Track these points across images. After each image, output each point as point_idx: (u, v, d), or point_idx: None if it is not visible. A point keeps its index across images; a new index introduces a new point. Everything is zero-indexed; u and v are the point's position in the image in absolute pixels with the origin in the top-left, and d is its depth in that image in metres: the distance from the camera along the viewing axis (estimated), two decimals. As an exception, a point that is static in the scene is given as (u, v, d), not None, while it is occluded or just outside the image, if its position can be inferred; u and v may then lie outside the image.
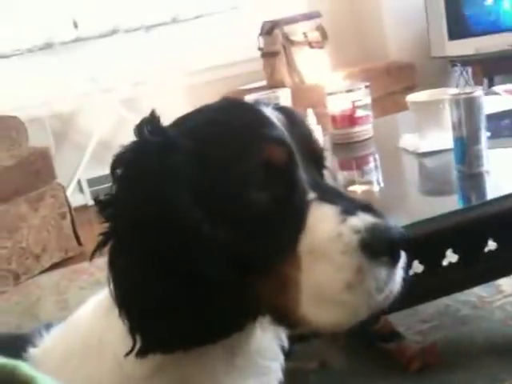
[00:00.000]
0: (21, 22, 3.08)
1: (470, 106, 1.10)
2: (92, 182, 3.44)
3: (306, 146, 0.64)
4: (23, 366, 0.43)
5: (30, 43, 3.08)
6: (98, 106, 3.24)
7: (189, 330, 0.59)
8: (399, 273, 0.58)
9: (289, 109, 0.69)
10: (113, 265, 0.60)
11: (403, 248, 0.57)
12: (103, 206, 0.62)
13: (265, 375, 0.68)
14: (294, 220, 0.58)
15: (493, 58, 2.84)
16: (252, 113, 0.64)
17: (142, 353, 0.58)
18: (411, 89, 2.80)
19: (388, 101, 2.71)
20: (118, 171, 0.61)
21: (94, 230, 2.85)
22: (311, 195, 0.59)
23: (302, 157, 0.62)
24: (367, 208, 0.58)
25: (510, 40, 2.77)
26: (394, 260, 0.57)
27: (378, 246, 0.55)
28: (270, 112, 0.64)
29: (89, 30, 3.11)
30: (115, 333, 0.62)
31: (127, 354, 0.59)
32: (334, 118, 1.60)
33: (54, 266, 2.58)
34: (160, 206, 0.57)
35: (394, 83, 2.92)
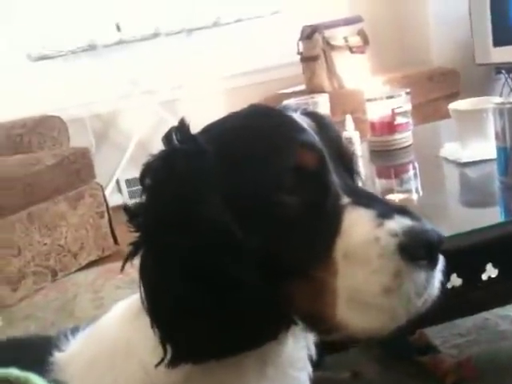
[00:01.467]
0: (65, 23, 3.15)
1: (511, 116, 1.07)
2: (130, 183, 3.50)
3: (337, 150, 0.63)
4: (34, 378, 0.44)
5: (73, 45, 3.14)
6: (137, 107, 3.29)
7: (222, 339, 0.58)
8: (438, 276, 0.57)
9: (317, 113, 0.69)
10: (144, 274, 0.59)
11: (441, 251, 0.56)
12: (132, 214, 0.61)
13: None
14: (329, 224, 0.57)
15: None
16: (281, 118, 0.63)
17: (173, 363, 0.58)
18: (454, 96, 2.75)
19: (430, 108, 2.66)
20: (148, 180, 0.61)
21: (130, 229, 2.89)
22: (345, 199, 0.59)
23: (333, 161, 0.61)
24: (403, 211, 0.57)
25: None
26: (433, 263, 0.56)
27: (416, 249, 0.54)
28: (298, 117, 0.64)
29: (131, 33, 3.16)
30: (143, 339, 0.61)
31: (158, 365, 0.58)
32: (372, 125, 1.57)
33: (91, 264, 2.62)
34: (189, 211, 0.57)
35: (437, 90, 2.87)
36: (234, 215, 0.56)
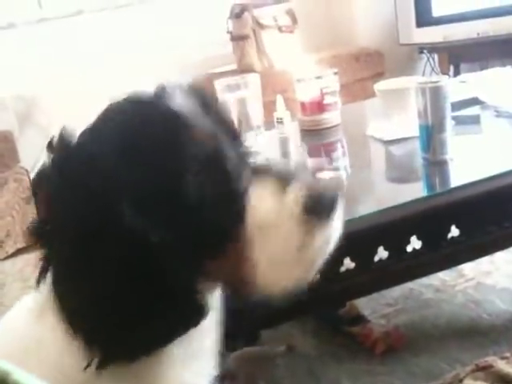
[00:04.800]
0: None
1: (435, 95, 1.11)
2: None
3: (224, 125, 0.64)
4: (16, 373, 0.42)
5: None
6: (61, 88, 3.17)
7: (152, 333, 0.58)
8: (339, 222, 0.62)
9: (199, 90, 0.67)
10: (58, 286, 0.58)
11: (338, 200, 0.61)
12: (35, 232, 0.59)
13: (204, 355, 0.67)
14: (236, 201, 0.60)
15: (459, 46, 2.88)
16: (163, 107, 0.61)
17: (103, 365, 0.57)
18: (380, 76, 2.83)
19: (356, 87, 2.72)
20: (41, 194, 0.60)
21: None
22: (246, 173, 0.61)
23: (224, 137, 0.62)
24: (301, 173, 0.62)
25: (477, 28, 2.81)
26: (333, 213, 0.61)
27: (318, 207, 0.60)
28: (183, 99, 0.63)
29: (53, 11, 3.03)
30: (55, 338, 0.59)
31: (85, 368, 0.56)
32: (302, 105, 1.60)
33: (19, 252, 2.53)
34: (95, 217, 0.56)
35: (363, 70, 2.94)
36: (143, 214, 0.55)
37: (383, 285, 1.13)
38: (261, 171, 0.62)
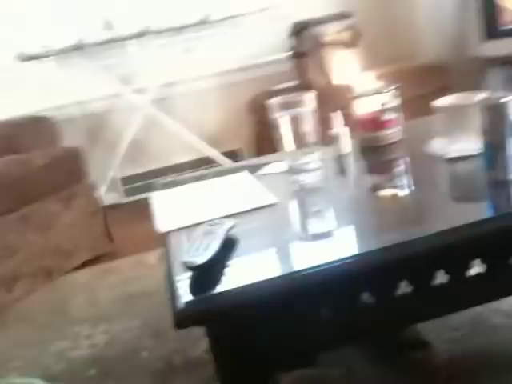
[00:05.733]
0: (53, 22, 3.14)
1: (497, 112, 1.07)
2: (125, 181, 3.49)
3: None
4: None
5: (62, 44, 3.13)
6: (129, 106, 3.28)
7: None
8: None
9: None
10: None
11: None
12: None
13: None
14: None
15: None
16: None
17: None
18: (444, 90, 2.74)
19: (420, 103, 2.65)
20: None
21: (126, 227, 2.89)
22: None
23: None
24: None
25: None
26: None
27: None
28: None
29: (120, 31, 3.15)
30: None
31: None
32: (361, 121, 1.57)
33: (86, 264, 2.62)
34: None
35: (426, 85, 2.87)
36: None
37: (446, 309, 1.08)
38: None
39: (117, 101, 3.31)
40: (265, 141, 2.32)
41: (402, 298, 0.99)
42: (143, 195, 3.07)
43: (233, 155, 3.36)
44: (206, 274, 0.92)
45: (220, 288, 0.89)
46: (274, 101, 1.41)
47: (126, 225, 2.93)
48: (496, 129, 1.08)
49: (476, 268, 1.01)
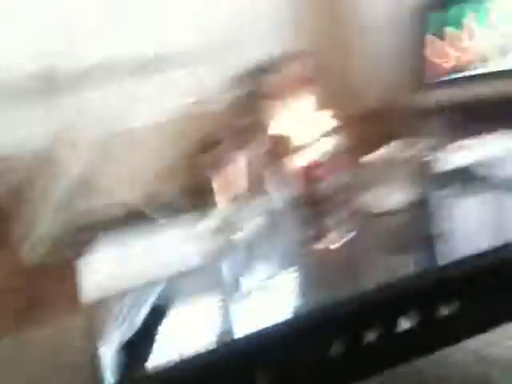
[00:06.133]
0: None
1: (424, 167, 1.10)
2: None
3: None
4: None
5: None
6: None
7: None
8: None
9: None
10: None
11: None
12: None
13: None
14: None
15: (466, 107, 2.86)
16: None
17: None
18: (388, 137, 2.81)
19: (365, 149, 2.71)
20: None
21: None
22: None
23: None
24: None
25: (480, 89, 2.81)
26: None
27: None
28: None
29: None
30: None
31: None
32: (298, 172, 1.58)
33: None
34: None
35: (366, 132, 2.93)
36: None
37: (375, 370, 1.07)
38: None
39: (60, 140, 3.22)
40: (197, 191, 2.29)
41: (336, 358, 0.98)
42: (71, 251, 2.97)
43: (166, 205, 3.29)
44: (132, 351, 0.89)
45: (147, 367, 0.85)
46: (207, 158, 1.41)
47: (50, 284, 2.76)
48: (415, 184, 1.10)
49: (406, 323, 1.01)
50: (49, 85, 2.97)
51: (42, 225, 3.21)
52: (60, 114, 3.11)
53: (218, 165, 1.41)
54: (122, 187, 3.13)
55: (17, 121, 3.02)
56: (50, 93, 3.01)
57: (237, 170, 1.40)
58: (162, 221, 2.41)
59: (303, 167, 1.59)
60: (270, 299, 1.03)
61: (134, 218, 3.09)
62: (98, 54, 2.99)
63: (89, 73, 2.98)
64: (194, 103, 3.23)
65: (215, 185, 1.41)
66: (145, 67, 3.10)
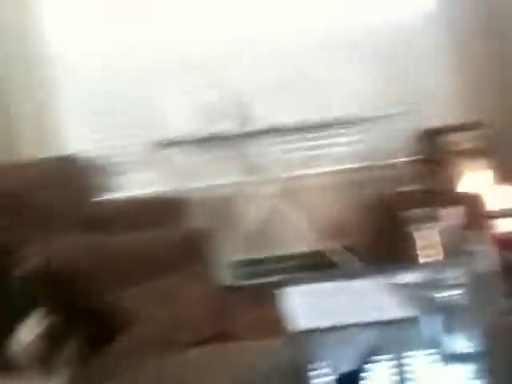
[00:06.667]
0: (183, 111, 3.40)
1: None
2: (240, 264, 3.56)
3: None
4: None
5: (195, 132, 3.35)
6: (254, 194, 3.41)
7: None
8: None
9: None
10: None
11: None
12: None
13: None
14: None
15: None
16: None
17: None
18: None
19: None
20: None
21: (245, 311, 2.89)
22: None
23: None
24: None
25: None
26: None
27: None
28: None
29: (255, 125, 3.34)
30: None
31: None
32: (501, 240, 1.54)
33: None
34: None
35: None
36: None
37: None
38: None
39: (242, 188, 3.47)
40: (385, 244, 2.29)
41: None
42: (260, 280, 3.13)
43: (350, 252, 3.34)
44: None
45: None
46: (414, 212, 1.43)
47: (245, 308, 2.94)
48: None
49: None
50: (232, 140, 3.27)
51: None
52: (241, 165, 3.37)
53: (422, 221, 1.43)
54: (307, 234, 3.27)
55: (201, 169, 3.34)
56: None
57: (444, 229, 1.41)
58: (351, 268, 2.45)
59: (502, 235, 1.54)
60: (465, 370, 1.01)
61: (320, 265, 3.19)
62: (270, 118, 3.25)
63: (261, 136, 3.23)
64: (368, 167, 3.30)
65: (418, 241, 1.42)
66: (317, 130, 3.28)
